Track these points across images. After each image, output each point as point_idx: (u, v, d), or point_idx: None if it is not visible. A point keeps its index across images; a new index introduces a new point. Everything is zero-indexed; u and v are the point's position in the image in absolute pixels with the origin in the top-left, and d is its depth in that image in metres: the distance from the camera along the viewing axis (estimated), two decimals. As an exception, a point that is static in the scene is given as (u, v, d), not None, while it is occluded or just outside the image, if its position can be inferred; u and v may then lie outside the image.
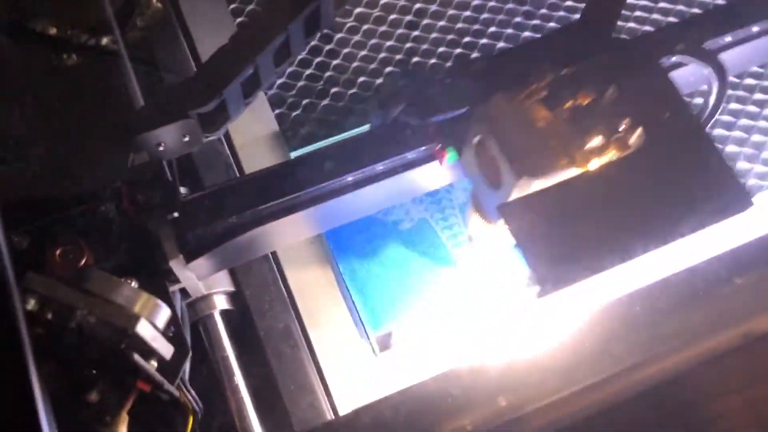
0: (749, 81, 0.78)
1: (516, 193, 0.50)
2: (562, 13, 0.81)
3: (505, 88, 0.52)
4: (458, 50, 0.79)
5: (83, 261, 0.55)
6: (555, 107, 0.52)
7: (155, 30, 0.80)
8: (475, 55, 0.79)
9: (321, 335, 0.67)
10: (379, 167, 0.56)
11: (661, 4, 0.82)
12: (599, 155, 0.49)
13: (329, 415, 0.63)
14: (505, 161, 0.49)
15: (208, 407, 0.59)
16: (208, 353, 0.64)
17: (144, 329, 0.44)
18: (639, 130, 0.50)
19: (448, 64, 0.79)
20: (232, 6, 0.81)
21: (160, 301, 0.47)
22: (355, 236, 0.71)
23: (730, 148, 0.75)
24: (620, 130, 0.50)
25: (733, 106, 0.77)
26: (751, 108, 0.77)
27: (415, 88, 0.58)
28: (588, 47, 0.57)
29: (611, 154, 0.50)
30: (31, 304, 0.42)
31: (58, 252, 0.55)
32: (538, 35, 0.80)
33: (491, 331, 0.67)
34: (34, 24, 0.80)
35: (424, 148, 0.58)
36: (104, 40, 0.80)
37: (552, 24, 0.80)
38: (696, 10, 0.81)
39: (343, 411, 0.64)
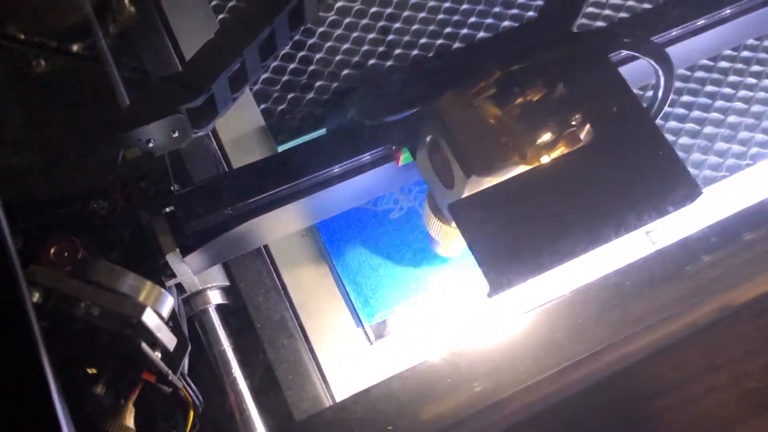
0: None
1: (467, 192, 0.50)
2: (539, 2, 0.82)
3: (455, 87, 0.52)
4: (440, 41, 0.80)
5: (78, 258, 0.55)
6: (505, 104, 0.52)
7: (139, 32, 0.80)
8: (456, 45, 0.80)
9: (316, 325, 0.68)
10: (336, 169, 0.57)
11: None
12: (549, 151, 0.50)
13: (328, 404, 0.64)
14: (456, 160, 0.49)
15: (208, 401, 0.60)
16: (204, 348, 0.64)
17: (150, 318, 0.44)
18: (588, 126, 0.50)
19: (431, 54, 0.80)
20: (213, 3, 0.81)
21: (164, 290, 0.48)
22: (346, 227, 0.72)
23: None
24: (572, 125, 0.51)
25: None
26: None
27: (366, 90, 0.58)
28: (541, 43, 0.57)
29: (561, 149, 0.50)
30: (36, 296, 0.42)
31: (52, 250, 0.55)
32: (517, 24, 0.81)
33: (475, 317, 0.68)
34: (4, 28, 0.80)
35: (380, 149, 0.58)
36: (75, 47, 0.80)
37: (531, 13, 0.82)
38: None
39: (341, 399, 0.65)
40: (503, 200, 0.49)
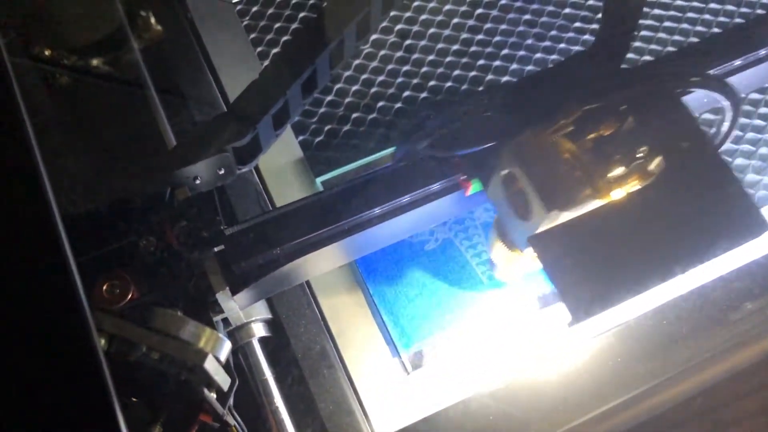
0: (754, 95, 0.81)
1: (545, 225, 0.52)
2: (571, 34, 0.84)
3: (531, 123, 0.53)
4: (473, 73, 0.82)
5: (129, 295, 0.57)
6: (578, 138, 0.54)
7: (176, 58, 0.82)
8: (489, 77, 0.82)
9: (354, 355, 0.69)
10: (406, 199, 0.59)
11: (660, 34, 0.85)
12: (621, 184, 0.52)
13: (368, 434, 0.65)
14: (535, 195, 0.51)
15: (250, 429, 0.62)
16: (247, 379, 0.66)
17: (210, 364, 0.46)
18: (658, 159, 0.52)
19: (464, 86, 0.81)
20: (252, 36, 0.83)
21: (222, 335, 0.49)
22: (383, 258, 0.73)
23: (739, 161, 0.78)
24: (638, 157, 0.52)
25: (740, 120, 0.79)
26: (758, 122, 0.80)
27: (438, 123, 0.60)
28: (602, 76, 0.59)
29: (633, 183, 0.52)
30: (101, 343, 0.44)
31: (104, 287, 0.57)
32: (550, 56, 0.83)
33: (515, 352, 0.69)
34: (32, 47, 0.82)
35: (448, 179, 0.60)
36: (94, 62, 0.83)
37: (562, 45, 0.83)
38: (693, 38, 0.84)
39: (379, 429, 0.66)
40: (580, 234, 0.51)
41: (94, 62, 0.83)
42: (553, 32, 0.84)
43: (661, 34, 0.84)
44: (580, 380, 0.56)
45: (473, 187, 0.60)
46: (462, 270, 0.73)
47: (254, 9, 0.84)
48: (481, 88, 0.80)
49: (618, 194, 0.52)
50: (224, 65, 0.81)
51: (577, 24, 0.84)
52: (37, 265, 0.43)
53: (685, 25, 0.85)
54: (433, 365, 0.69)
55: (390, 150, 0.77)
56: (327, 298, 0.71)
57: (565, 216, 0.51)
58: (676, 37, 0.84)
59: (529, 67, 0.82)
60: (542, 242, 0.51)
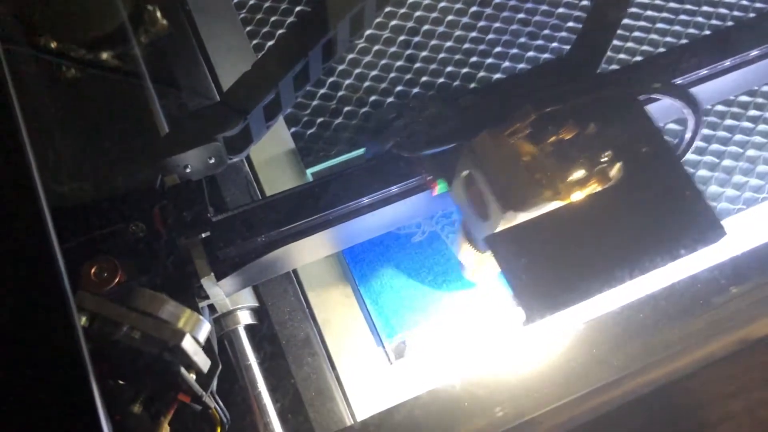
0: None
1: (502, 226, 0.52)
2: (563, 33, 0.85)
3: (490, 125, 0.54)
4: (465, 69, 0.83)
5: (117, 279, 0.59)
6: (539, 141, 0.54)
7: (176, 56, 0.83)
8: (481, 74, 0.83)
9: (338, 344, 0.70)
10: (369, 198, 0.60)
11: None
12: (581, 187, 0.52)
13: (348, 421, 0.66)
14: (492, 196, 0.52)
15: (233, 414, 0.63)
16: (232, 365, 0.67)
17: (188, 344, 0.47)
18: (619, 164, 0.52)
19: (456, 82, 0.82)
20: (249, 28, 0.84)
21: (201, 317, 0.51)
22: (370, 249, 0.74)
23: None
24: (601, 161, 0.53)
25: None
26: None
27: (404, 124, 0.61)
28: (575, 87, 0.58)
29: (593, 187, 0.52)
30: (82, 321, 0.45)
31: (92, 270, 0.59)
32: (542, 55, 0.83)
33: (495, 341, 0.71)
34: (38, 39, 0.84)
35: (415, 178, 0.61)
36: (104, 55, 0.84)
37: (555, 44, 0.84)
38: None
39: (361, 417, 0.67)
40: (538, 235, 0.51)
41: (99, 55, 0.84)
42: (546, 31, 0.85)
43: (653, 36, 0.85)
44: (558, 368, 0.57)
45: (440, 188, 0.61)
46: (447, 263, 0.74)
47: (251, 2, 0.86)
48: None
49: (578, 197, 0.52)
50: (220, 57, 0.82)
51: (570, 24, 0.85)
52: (18, 244, 0.44)
53: (677, 27, 0.86)
54: (415, 356, 0.71)
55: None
56: (313, 287, 0.72)
57: (523, 217, 0.52)
58: (668, 39, 0.85)
59: (521, 65, 0.83)
60: (498, 242, 0.51)
